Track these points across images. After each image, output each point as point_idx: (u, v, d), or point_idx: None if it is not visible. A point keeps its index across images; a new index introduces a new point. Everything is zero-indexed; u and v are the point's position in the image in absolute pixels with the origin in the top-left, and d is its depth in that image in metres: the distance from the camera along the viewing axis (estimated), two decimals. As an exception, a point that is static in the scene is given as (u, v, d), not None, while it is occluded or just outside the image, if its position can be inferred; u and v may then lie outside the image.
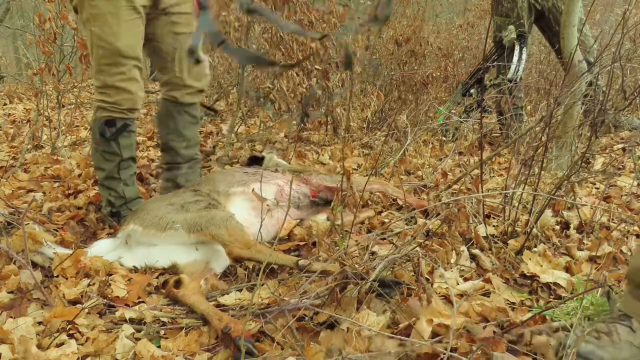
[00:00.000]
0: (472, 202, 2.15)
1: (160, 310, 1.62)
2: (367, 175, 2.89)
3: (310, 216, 2.30)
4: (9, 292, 1.67)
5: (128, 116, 2.21)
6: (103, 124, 2.18)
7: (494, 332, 1.39)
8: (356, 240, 2.02)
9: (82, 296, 1.68)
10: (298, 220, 2.28)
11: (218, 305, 1.63)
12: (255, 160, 2.82)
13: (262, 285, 1.72)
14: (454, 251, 1.62)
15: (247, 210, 2.12)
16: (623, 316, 1.28)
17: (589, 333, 1.25)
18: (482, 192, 2.09)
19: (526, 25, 3.80)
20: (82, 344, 1.41)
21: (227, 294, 1.72)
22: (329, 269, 1.60)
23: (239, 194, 2.18)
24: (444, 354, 1.18)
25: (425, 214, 2.27)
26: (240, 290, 1.74)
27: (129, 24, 2.09)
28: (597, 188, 2.71)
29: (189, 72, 2.36)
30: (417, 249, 1.57)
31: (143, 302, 1.68)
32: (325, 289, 1.54)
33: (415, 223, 2.25)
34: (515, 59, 3.75)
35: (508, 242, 1.97)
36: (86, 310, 1.57)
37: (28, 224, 2.07)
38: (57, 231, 2.16)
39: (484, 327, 1.42)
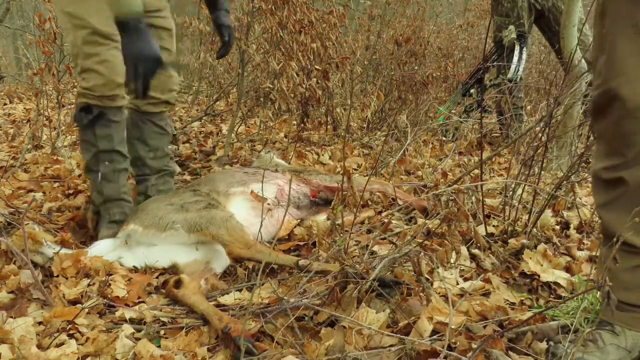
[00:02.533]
0: (472, 202, 2.15)
1: (160, 310, 1.62)
2: (367, 176, 2.89)
3: (310, 216, 2.30)
4: (9, 292, 1.67)
5: (105, 104, 2.07)
6: (79, 110, 2.08)
7: (494, 330, 1.39)
8: (356, 240, 2.02)
9: (82, 296, 1.68)
10: (298, 220, 2.28)
11: (218, 305, 1.63)
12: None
13: (262, 285, 1.72)
14: (453, 251, 1.63)
15: (247, 210, 2.12)
16: (604, 322, 1.31)
17: (582, 342, 1.27)
18: (482, 193, 2.09)
19: (526, 25, 3.80)
20: (82, 344, 1.41)
21: (227, 294, 1.72)
22: (329, 268, 1.60)
23: (238, 194, 2.18)
24: (441, 351, 1.18)
25: (425, 213, 2.27)
26: (240, 290, 1.74)
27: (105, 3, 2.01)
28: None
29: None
30: (417, 248, 1.57)
31: (143, 302, 1.68)
32: (325, 288, 1.54)
33: (415, 223, 2.25)
34: (515, 59, 3.75)
35: (508, 241, 1.97)
36: (86, 310, 1.57)
37: (28, 224, 2.07)
38: (58, 232, 2.16)
39: (484, 326, 1.43)
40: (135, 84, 1.88)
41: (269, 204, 2.16)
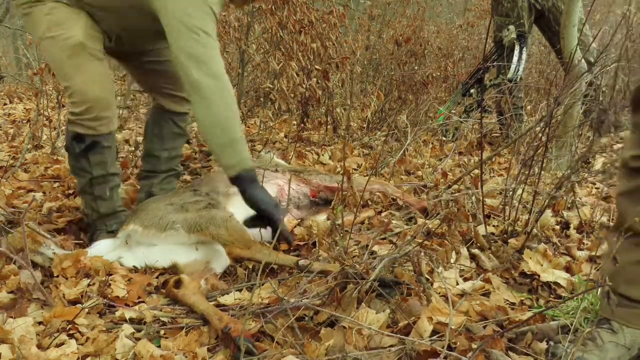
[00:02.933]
0: (472, 202, 2.15)
1: (161, 310, 1.62)
2: (367, 176, 2.89)
3: (310, 216, 2.30)
4: (9, 292, 1.67)
5: (97, 131, 2.00)
6: (71, 139, 2.01)
7: (494, 330, 1.39)
8: (356, 240, 2.02)
9: (82, 296, 1.68)
10: (298, 220, 2.28)
11: (218, 305, 1.63)
12: None
13: (262, 284, 1.72)
14: (453, 251, 1.63)
15: (247, 209, 2.12)
16: (603, 320, 1.31)
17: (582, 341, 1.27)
18: (483, 193, 2.09)
19: (526, 25, 3.80)
20: (82, 344, 1.41)
21: (227, 294, 1.72)
22: (329, 268, 1.60)
23: (238, 193, 2.18)
24: (441, 351, 1.18)
25: (425, 213, 2.27)
26: (240, 290, 1.74)
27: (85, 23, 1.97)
28: (597, 188, 2.71)
29: (175, 84, 2.32)
30: (417, 248, 1.57)
31: (143, 302, 1.68)
32: (325, 288, 1.54)
33: (415, 223, 2.25)
34: (515, 59, 3.75)
35: (508, 241, 1.97)
36: (86, 310, 1.57)
37: (28, 224, 2.06)
38: (60, 233, 2.16)
39: (484, 327, 1.42)
40: (273, 234, 1.89)
41: None
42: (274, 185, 2.31)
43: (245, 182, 1.89)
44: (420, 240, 1.67)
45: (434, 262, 1.57)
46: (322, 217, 2.24)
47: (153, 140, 2.41)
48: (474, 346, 1.29)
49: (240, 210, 2.08)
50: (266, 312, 1.49)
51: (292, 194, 2.35)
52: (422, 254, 1.56)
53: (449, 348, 1.22)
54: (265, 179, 2.24)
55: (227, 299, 1.67)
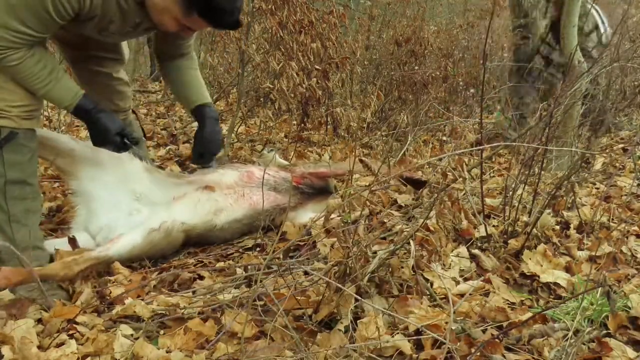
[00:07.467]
0: (470, 202, 2.15)
1: (158, 305, 1.60)
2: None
3: (300, 206, 2.27)
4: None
5: (19, 124, 1.67)
6: None
7: (492, 334, 1.38)
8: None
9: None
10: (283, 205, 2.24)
11: (215, 303, 1.61)
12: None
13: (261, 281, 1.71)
14: (448, 244, 1.61)
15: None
16: None
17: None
18: (483, 193, 2.09)
19: (542, 26, 3.81)
20: (82, 344, 1.41)
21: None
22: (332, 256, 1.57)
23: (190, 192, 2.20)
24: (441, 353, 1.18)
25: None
26: (237, 288, 1.73)
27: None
28: (597, 188, 2.71)
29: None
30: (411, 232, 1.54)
31: (142, 299, 1.67)
32: (323, 273, 1.50)
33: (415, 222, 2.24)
34: (599, 22, 3.75)
35: (508, 241, 1.97)
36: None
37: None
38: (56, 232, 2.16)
39: (484, 331, 1.41)
40: None
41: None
42: (235, 171, 2.29)
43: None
44: (417, 229, 1.63)
45: (429, 253, 1.55)
46: (309, 214, 2.22)
47: None
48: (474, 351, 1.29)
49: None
50: (265, 311, 1.48)
51: (268, 177, 2.23)
52: (417, 247, 1.54)
53: (450, 352, 1.21)
54: (235, 169, 2.27)
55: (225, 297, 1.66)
